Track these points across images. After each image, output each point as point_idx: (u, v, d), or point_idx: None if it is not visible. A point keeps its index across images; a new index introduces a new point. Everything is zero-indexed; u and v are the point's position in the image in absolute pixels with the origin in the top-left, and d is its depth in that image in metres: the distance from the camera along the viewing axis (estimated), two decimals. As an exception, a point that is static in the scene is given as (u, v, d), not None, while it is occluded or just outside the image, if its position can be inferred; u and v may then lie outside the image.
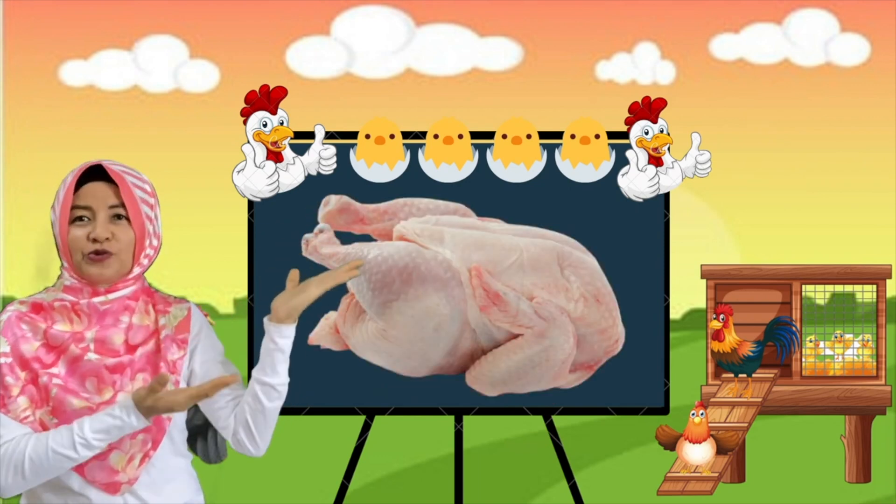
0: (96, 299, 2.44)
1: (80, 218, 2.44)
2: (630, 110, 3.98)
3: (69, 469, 2.39)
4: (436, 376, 3.95)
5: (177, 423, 2.51)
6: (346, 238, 3.95)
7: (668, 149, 3.98)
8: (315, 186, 3.94)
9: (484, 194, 4.00)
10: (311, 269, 3.90)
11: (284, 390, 2.51)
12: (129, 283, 2.48)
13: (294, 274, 2.53)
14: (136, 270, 2.48)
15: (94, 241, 2.43)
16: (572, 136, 3.98)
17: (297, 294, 2.49)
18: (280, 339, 2.48)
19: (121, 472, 2.41)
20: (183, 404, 2.37)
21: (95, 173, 2.46)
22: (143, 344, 2.47)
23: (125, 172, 2.47)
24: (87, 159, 2.48)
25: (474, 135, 4.00)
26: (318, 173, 3.93)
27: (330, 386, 3.99)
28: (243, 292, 4.06)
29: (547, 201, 3.99)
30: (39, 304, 2.44)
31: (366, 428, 4.07)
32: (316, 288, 2.50)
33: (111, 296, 2.46)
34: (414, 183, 3.98)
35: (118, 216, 2.46)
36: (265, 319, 2.50)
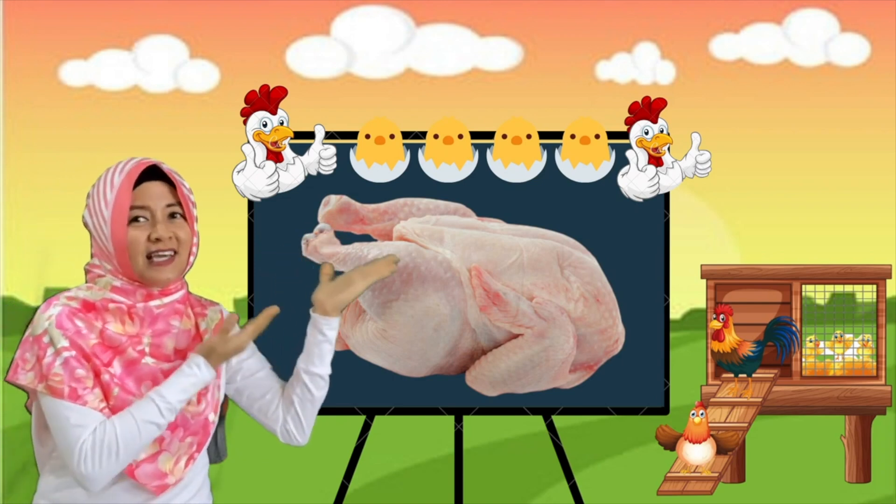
0: (152, 303, 2.43)
1: (137, 219, 2.42)
2: (630, 110, 3.98)
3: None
4: (436, 376, 3.95)
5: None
6: (346, 238, 3.95)
7: (668, 149, 3.98)
8: (315, 186, 3.94)
9: (484, 194, 4.00)
10: (312, 269, 3.91)
11: (328, 379, 2.64)
12: (179, 287, 2.48)
13: (328, 268, 2.64)
14: (188, 270, 2.50)
15: (157, 240, 2.42)
16: (572, 136, 3.98)
17: (344, 289, 2.59)
18: (329, 331, 2.59)
19: (169, 473, 2.43)
20: (247, 342, 2.47)
21: (144, 173, 2.45)
22: (189, 349, 2.48)
23: (172, 171, 2.48)
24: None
25: (474, 135, 4.00)
26: (318, 173, 3.93)
27: (330, 386, 3.99)
28: (243, 292, 4.06)
29: (547, 201, 3.99)
30: (91, 302, 2.40)
31: (366, 428, 4.07)
32: (361, 282, 2.62)
33: (166, 300, 2.45)
34: (414, 183, 3.98)
35: (173, 215, 2.45)
36: (311, 312, 2.60)
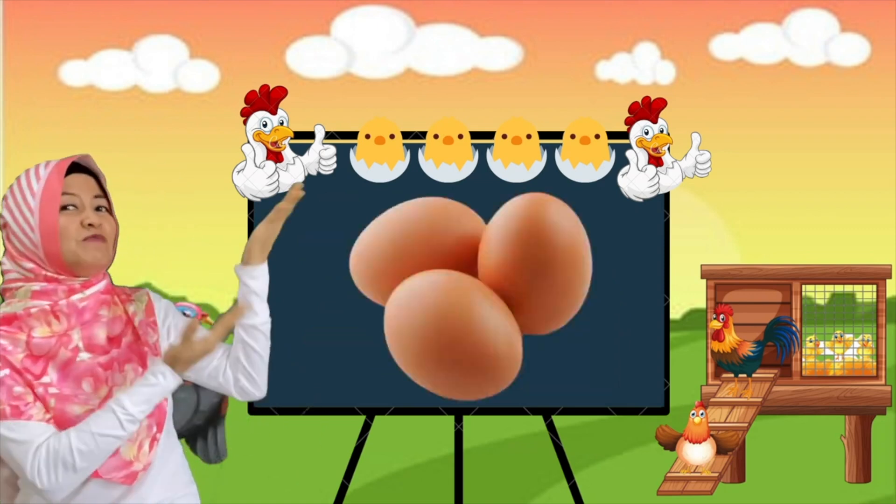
0: (74, 297, 2.41)
1: (66, 207, 2.41)
2: (630, 110, 3.98)
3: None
4: (436, 376, 3.95)
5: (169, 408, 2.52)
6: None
7: (668, 149, 3.97)
8: (315, 186, 3.93)
9: (484, 194, 4.00)
10: (312, 270, 3.91)
11: (268, 329, 2.54)
12: (101, 278, 2.46)
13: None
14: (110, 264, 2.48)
15: (90, 226, 2.40)
16: (572, 136, 3.98)
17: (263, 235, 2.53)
18: (251, 280, 2.50)
19: (134, 461, 2.40)
20: (214, 345, 2.41)
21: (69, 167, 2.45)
22: (123, 335, 2.46)
23: (98, 169, 2.49)
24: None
25: (474, 135, 4.00)
26: (318, 173, 3.92)
27: (330, 386, 3.99)
28: (243, 292, 4.05)
29: (547, 201, 3.99)
30: (11, 314, 2.37)
31: (366, 428, 4.07)
32: (274, 224, 2.53)
33: (87, 292, 2.43)
34: (414, 183, 3.98)
35: (98, 208, 2.45)
36: (235, 267, 2.53)
